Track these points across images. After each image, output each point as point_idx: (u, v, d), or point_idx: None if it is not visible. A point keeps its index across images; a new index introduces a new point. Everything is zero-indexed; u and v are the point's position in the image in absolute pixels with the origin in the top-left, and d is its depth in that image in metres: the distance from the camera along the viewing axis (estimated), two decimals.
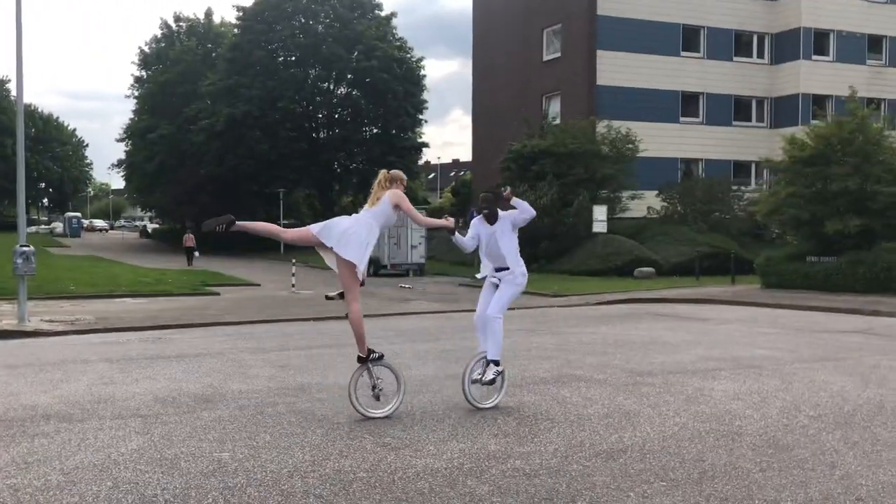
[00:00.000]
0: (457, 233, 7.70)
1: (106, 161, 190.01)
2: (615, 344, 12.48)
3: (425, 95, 55.58)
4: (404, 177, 7.49)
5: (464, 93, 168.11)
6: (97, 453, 6.04)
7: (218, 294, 23.20)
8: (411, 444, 6.32)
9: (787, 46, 37.50)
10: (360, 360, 7.24)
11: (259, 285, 26.85)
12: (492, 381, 7.65)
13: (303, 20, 53.75)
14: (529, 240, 30.57)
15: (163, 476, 5.46)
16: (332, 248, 7.03)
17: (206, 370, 10.00)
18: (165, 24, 67.10)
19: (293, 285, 24.97)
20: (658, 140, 34.38)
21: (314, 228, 7.17)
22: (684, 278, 27.48)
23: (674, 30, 35.82)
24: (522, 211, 7.79)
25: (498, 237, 7.75)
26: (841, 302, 18.91)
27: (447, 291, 25.16)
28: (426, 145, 57.67)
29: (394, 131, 54.29)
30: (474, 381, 7.65)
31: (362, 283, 7.17)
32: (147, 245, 64.54)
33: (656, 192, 33.26)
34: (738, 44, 37.46)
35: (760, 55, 38.01)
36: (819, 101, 35.20)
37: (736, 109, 37.56)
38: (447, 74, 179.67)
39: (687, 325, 15.57)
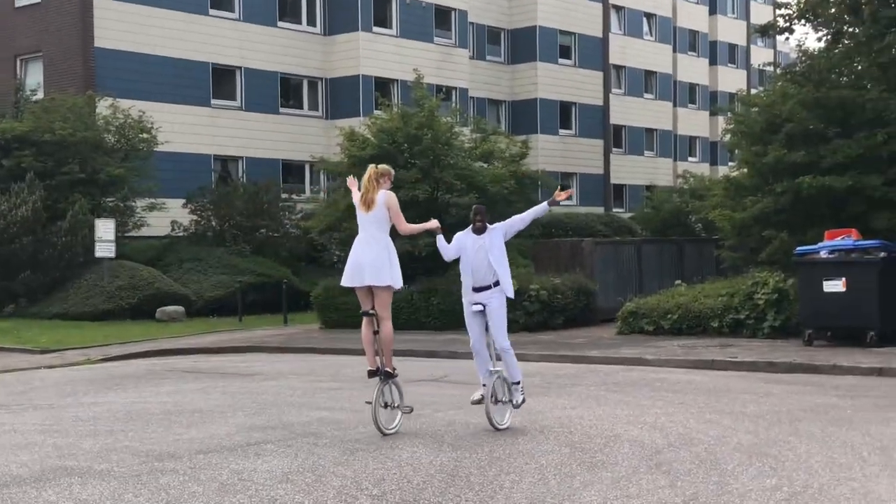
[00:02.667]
0: (441, 236, 10.36)
1: None
2: (126, 418, 12.48)
3: None
4: (392, 171, 10.39)
5: None
6: None
7: None
8: None
9: (342, 13, 39.62)
10: (386, 374, 10.45)
11: None
12: (523, 401, 11.01)
13: None
14: (0, 269, 29.12)
15: None
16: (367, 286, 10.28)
17: None
18: None
19: None
20: (184, 129, 34.69)
21: (346, 283, 10.52)
22: (225, 319, 28.15)
23: None
24: (521, 219, 10.68)
25: (488, 248, 10.26)
26: (415, 342, 20.83)
27: None
28: None
29: None
30: (497, 402, 10.72)
31: None
32: None
33: (184, 201, 33.59)
34: (283, 4, 39.04)
35: (311, 22, 39.87)
36: (382, 85, 38.11)
37: (284, 92, 39.12)
38: None
39: (226, 383, 16.11)
